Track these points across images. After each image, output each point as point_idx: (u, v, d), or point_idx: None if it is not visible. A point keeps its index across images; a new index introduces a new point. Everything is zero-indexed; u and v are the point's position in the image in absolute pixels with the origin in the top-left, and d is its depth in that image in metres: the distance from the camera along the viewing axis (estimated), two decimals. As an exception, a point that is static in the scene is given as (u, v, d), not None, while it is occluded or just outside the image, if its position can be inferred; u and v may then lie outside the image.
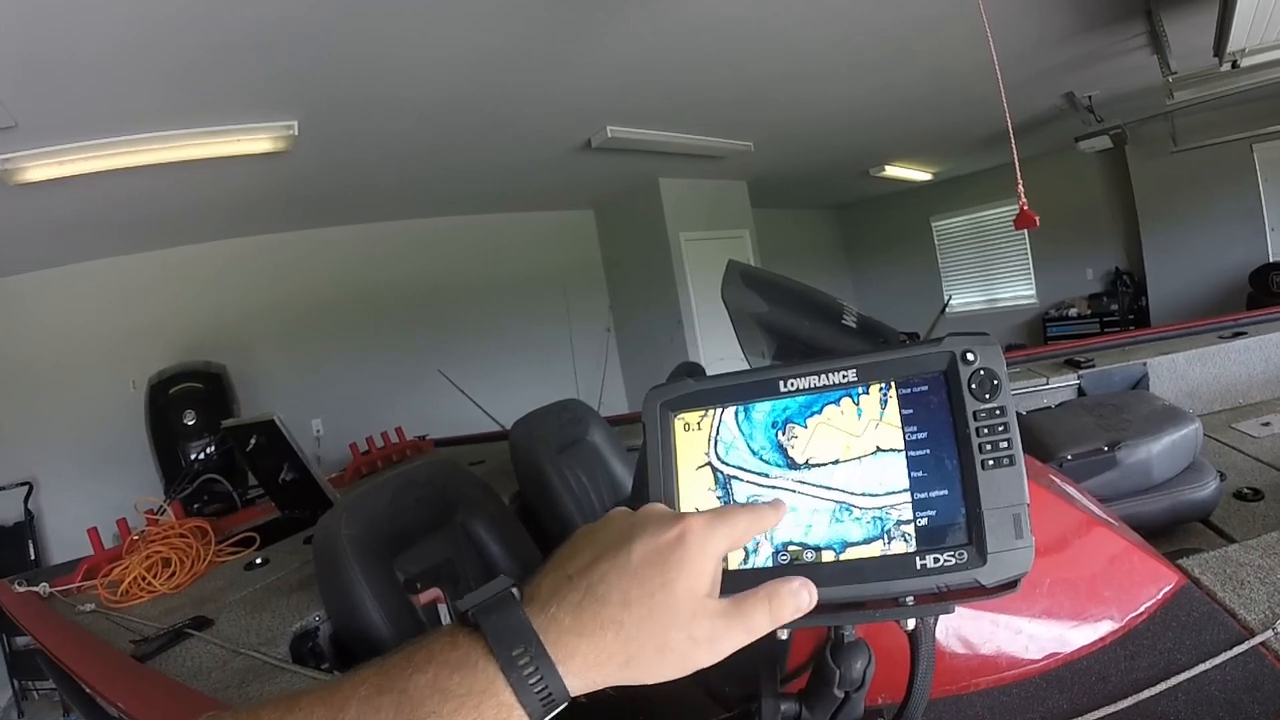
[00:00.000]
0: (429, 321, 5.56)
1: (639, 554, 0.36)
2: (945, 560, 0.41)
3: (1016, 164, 2.23)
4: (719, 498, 0.46)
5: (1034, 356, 2.32)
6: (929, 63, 3.76)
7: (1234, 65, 3.18)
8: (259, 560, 1.79)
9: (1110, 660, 0.69)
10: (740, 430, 0.47)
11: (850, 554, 0.43)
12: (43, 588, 1.75)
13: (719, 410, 0.48)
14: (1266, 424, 1.70)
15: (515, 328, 5.89)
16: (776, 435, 0.46)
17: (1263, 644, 0.65)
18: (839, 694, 0.49)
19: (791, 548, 0.44)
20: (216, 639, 1.31)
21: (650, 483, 0.47)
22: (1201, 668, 0.64)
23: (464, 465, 1.63)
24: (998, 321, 7.92)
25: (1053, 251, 7.38)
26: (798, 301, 0.95)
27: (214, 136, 3.00)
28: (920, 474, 0.43)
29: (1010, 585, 0.41)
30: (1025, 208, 2.16)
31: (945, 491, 0.42)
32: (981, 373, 0.43)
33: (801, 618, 0.40)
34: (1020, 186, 2.19)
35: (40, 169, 2.82)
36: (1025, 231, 7.08)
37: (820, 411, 0.46)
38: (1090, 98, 4.90)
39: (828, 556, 0.43)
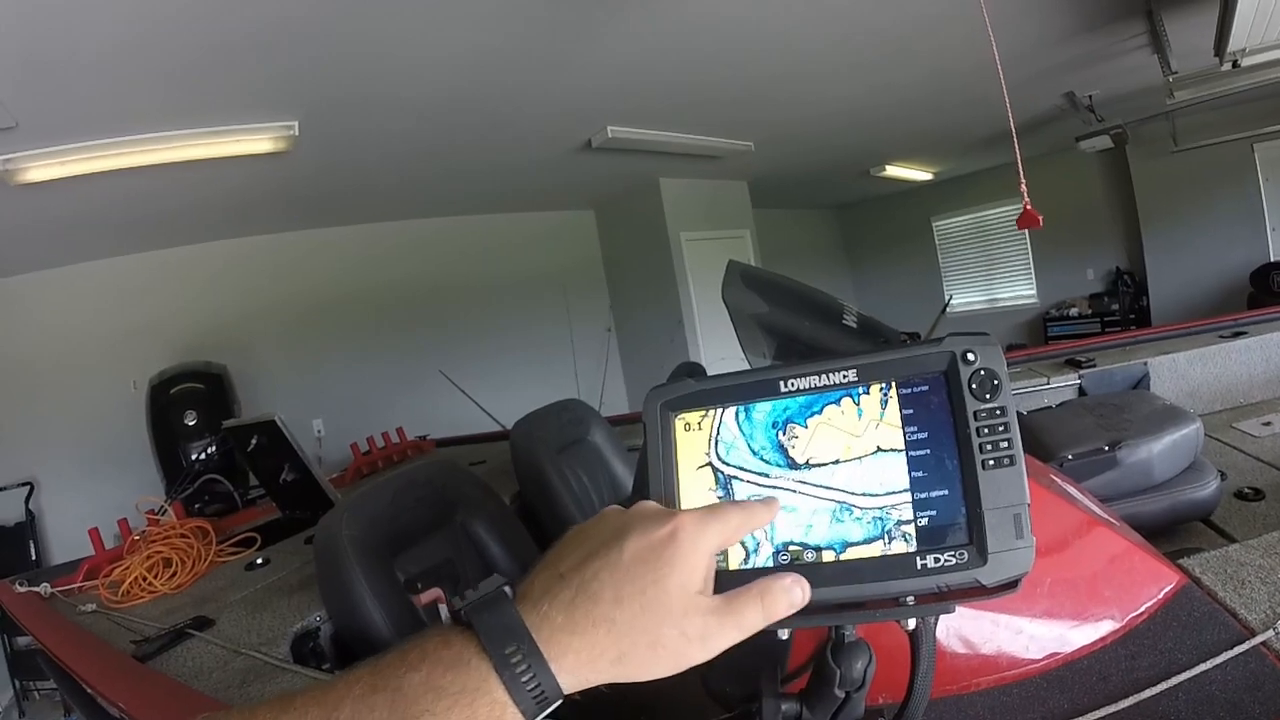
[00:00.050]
0: (429, 321, 5.57)
1: (631, 551, 0.36)
2: (946, 560, 0.41)
3: (1020, 164, 2.23)
4: (719, 498, 0.46)
5: (1035, 356, 2.32)
6: (929, 63, 3.76)
7: (1234, 65, 3.17)
8: (260, 560, 1.80)
9: (1111, 660, 0.69)
10: (741, 430, 0.47)
11: (851, 554, 0.43)
12: (44, 588, 1.75)
13: (719, 410, 0.48)
14: (1267, 423, 1.70)
15: (515, 328, 5.89)
16: (777, 435, 0.46)
17: (1264, 644, 0.65)
18: (840, 694, 0.49)
19: (792, 548, 0.44)
20: (217, 639, 1.31)
21: (651, 483, 0.47)
22: (1202, 667, 0.64)
23: (464, 465, 1.63)
24: (998, 321, 7.91)
25: (1053, 251, 7.38)
26: (798, 301, 0.95)
27: (214, 137, 3.00)
28: (921, 474, 0.43)
29: (1011, 585, 0.41)
30: (1029, 207, 2.16)
31: (946, 491, 0.42)
32: (982, 373, 0.43)
33: (802, 617, 0.40)
34: (1023, 186, 2.19)
35: (40, 169, 2.82)
36: (1026, 231, 7.09)
37: (821, 411, 0.46)
38: (1091, 97, 4.90)
39: (828, 556, 0.43)
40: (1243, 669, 0.63)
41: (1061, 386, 2.00)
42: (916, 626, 0.47)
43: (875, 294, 9.22)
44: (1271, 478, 1.42)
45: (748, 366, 0.77)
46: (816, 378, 0.46)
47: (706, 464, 0.47)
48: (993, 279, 8.29)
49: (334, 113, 3.12)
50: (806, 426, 0.46)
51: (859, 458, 0.44)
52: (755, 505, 0.42)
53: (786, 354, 0.89)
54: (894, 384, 0.45)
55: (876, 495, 0.43)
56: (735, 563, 0.45)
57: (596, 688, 0.36)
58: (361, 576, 1.19)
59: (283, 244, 4.96)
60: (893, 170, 6.96)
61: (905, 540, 0.42)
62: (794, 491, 0.45)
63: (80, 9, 1.99)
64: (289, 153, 3.27)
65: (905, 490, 0.43)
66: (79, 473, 4.20)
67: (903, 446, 0.44)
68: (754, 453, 0.46)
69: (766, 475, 0.46)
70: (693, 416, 0.48)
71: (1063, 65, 4.13)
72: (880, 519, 0.43)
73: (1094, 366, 2.01)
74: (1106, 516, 0.91)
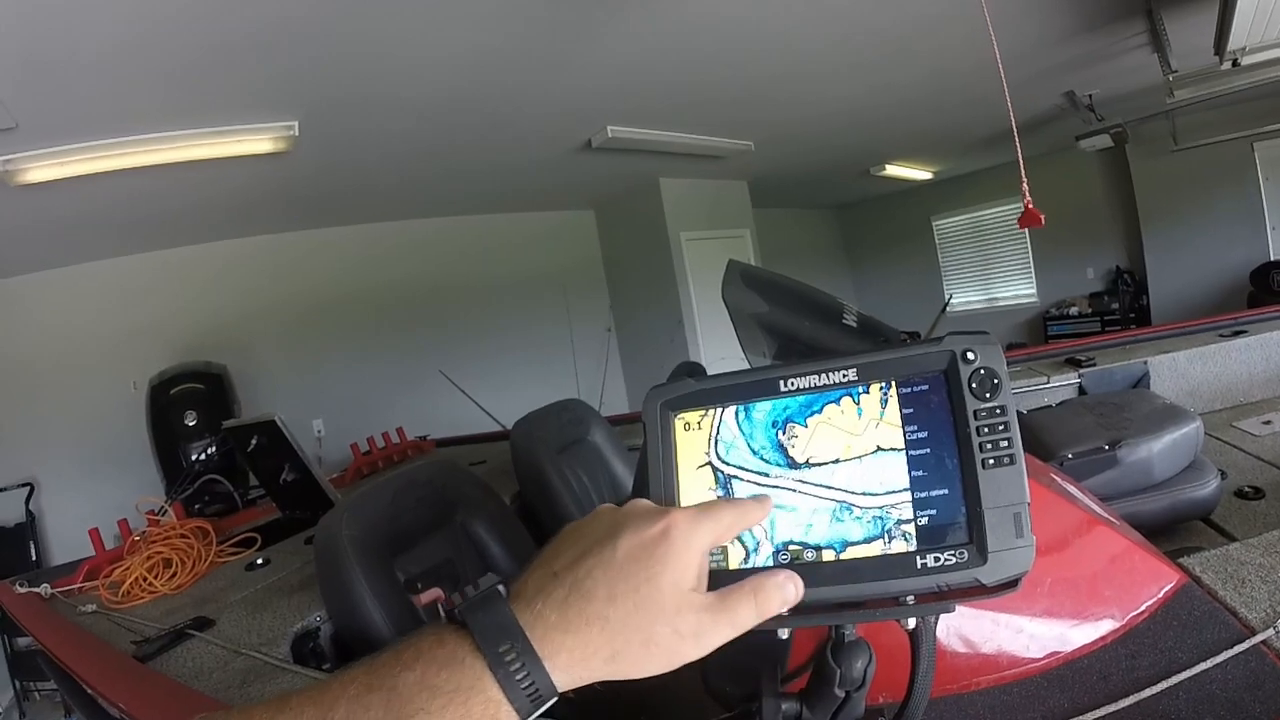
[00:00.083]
0: (429, 321, 5.57)
1: (624, 549, 0.37)
2: (946, 559, 0.41)
3: (1021, 164, 2.23)
4: (719, 497, 0.46)
5: (1035, 355, 2.32)
6: (929, 63, 3.76)
7: (1234, 64, 3.17)
8: (260, 561, 1.80)
9: (1111, 659, 0.69)
10: (740, 430, 0.47)
11: (851, 553, 0.43)
12: (44, 589, 1.75)
13: (719, 410, 0.48)
14: (1267, 422, 1.70)
15: (515, 328, 5.89)
16: (777, 435, 0.46)
17: (1264, 642, 0.65)
18: (840, 693, 0.49)
19: (792, 547, 0.44)
20: (218, 639, 1.31)
21: (650, 482, 0.47)
22: (1203, 666, 0.64)
23: (464, 465, 1.63)
24: (998, 320, 7.91)
25: (1053, 250, 7.38)
26: (798, 301, 0.95)
27: (214, 137, 3.00)
28: (921, 473, 0.43)
29: (1011, 584, 0.41)
30: (1030, 206, 2.16)
31: (946, 490, 0.42)
32: (982, 372, 0.43)
33: (802, 617, 0.40)
34: (1025, 185, 2.19)
35: (41, 170, 2.82)
36: (1026, 230, 7.10)
37: (820, 411, 0.46)
38: (1091, 96, 4.90)
39: (828, 556, 0.43)
40: (1243, 668, 0.63)
41: (1061, 385, 2.00)
42: (916, 626, 0.47)
43: (875, 293, 9.21)
44: (1271, 476, 1.42)
45: (748, 366, 0.77)
46: (816, 377, 0.46)
47: (706, 463, 0.47)
48: (993, 278, 8.28)
49: (334, 113, 3.12)
50: (806, 426, 0.46)
51: (859, 457, 0.44)
52: (748, 503, 0.42)
53: (786, 353, 0.89)
54: (894, 383, 0.45)
55: (876, 494, 0.43)
56: (735, 562, 0.45)
57: (591, 685, 0.36)
58: (361, 576, 1.19)
59: (283, 244, 4.96)
60: (893, 170, 6.96)
61: (905, 539, 0.42)
62: (794, 491, 0.45)
63: (80, 9, 1.99)
64: (289, 153, 3.26)
65: (905, 489, 0.43)
66: (79, 473, 4.20)
67: (903, 446, 0.44)
68: (754, 452, 0.46)
69: (766, 475, 0.46)
70: (692, 416, 0.48)
71: (1063, 65, 4.13)
72: (880, 518, 0.43)
73: (1094, 365, 2.01)
74: (1106, 515, 0.91)
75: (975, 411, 0.42)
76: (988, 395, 0.42)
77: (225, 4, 2.13)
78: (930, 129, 5.46)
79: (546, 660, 0.34)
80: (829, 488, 0.44)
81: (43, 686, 3.54)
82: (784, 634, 0.45)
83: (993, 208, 7.89)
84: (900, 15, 3.10)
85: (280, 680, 1.11)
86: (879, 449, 0.44)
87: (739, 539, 0.45)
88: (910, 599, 0.42)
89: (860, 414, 0.45)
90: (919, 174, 7.51)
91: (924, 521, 0.42)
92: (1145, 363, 1.97)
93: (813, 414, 0.46)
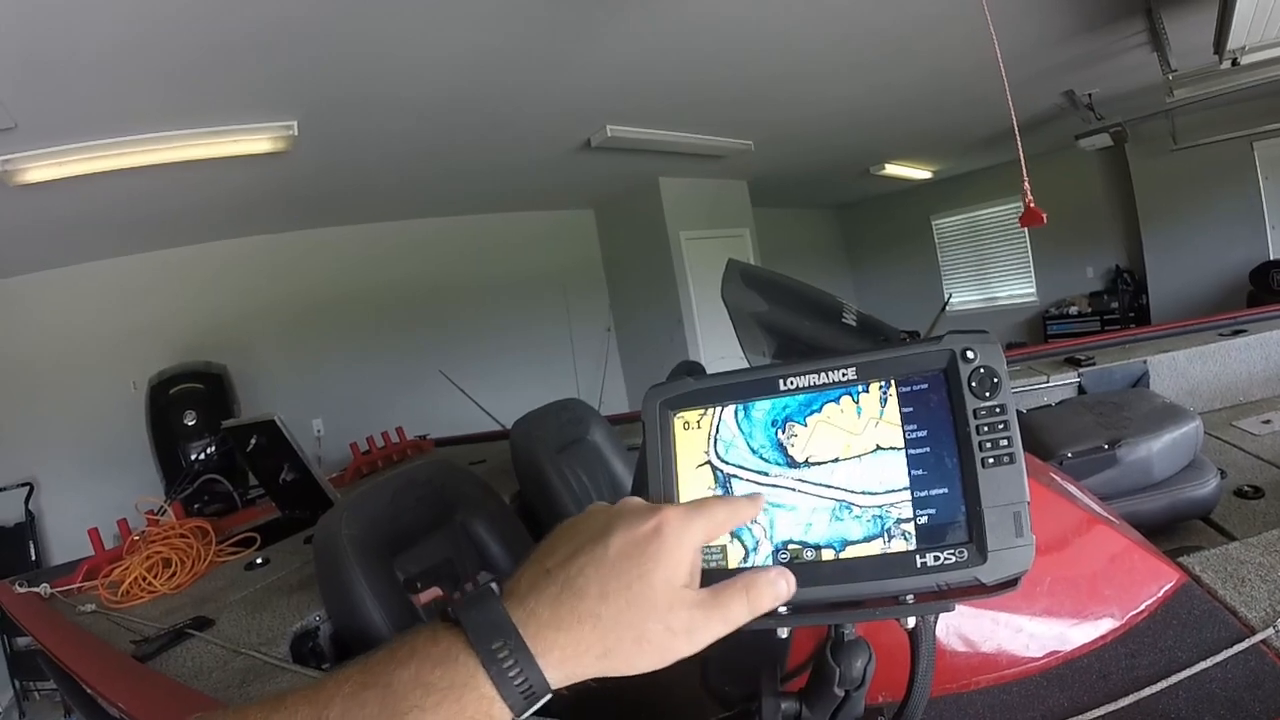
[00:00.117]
0: (429, 321, 5.56)
1: (616, 546, 0.37)
2: (945, 558, 0.41)
3: (1023, 163, 2.23)
4: (715, 495, 0.46)
5: (1034, 354, 2.32)
6: (929, 63, 3.76)
7: (1234, 63, 3.17)
8: (259, 560, 1.79)
9: (1111, 658, 0.69)
10: (740, 429, 0.47)
11: (850, 552, 0.43)
12: (44, 588, 1.75)
13: (719, 409, 0.48)
14: (1267, 421, 1.70)
15: (515, 328, 5.89)
16: (776, 434, 0.46)
17: (1263, 642, 0.65)
18: (839, 692, 0.49)
19: (791, 546, 0.44)
20: (217, 639, 1.31)
21: (650, 481, 0.47)
22: (1202, 665, 0.64)
23: (464, 465, 1.63)
24: (998, 320, 7.91)
25: (1053, 250, 7.38)
26: (798, 300, 0.95)
27: (214, 137, 3.00)
28: (920, 472, 0.43)
29: (1011, 583, 0.41)
30: (1032, 204, 2.16)
31: (945, 489, 0.42)
32: (981, 371, 0.43)
33: (802, 616, 0.40)
34: (1026, 184, 2.19)
35: (40, 170, 2.82)
36: (1026, 230, 7.09)
37: (820, 410, 0.46)
38: (1090, 96, 4.90)
39: (828, 555, 0.43)
40: (1243, 667, 0.63)
41: (1061, 385, 2.00)
42: (916, 625, 0.47)
43: (875, 293, 9.21)
44: (1271, 476, 1.42)
45: (747, 365, 0.77)
46: (816, 376, 0.46)
47: (706, 462, 0.47)
48: (992, 278, 8.28)
49: (334, 113, 3.12)
50: (806, 425, 0.46)
51: (858, 456, 0.44)
52: (740, 500, 0.43)
53: (786, 353, 0.89)
54: (893, 382, 0.45)
55: (876, 493, 0.43)
56: (735, 561, 0.44)
57: (587, 683, 0.36)
58: (361, 576, 1.19)
59: (282, 244, 4.96)
60: (892, 169, 6.96)
61: (905, 538, 0.42)
62: (793, 490, 0.45)
63: (80, 9, 1.99)
64: (288, 153, 3.26)
65: (905, 488, 0.43)
66: (79, 473, 4.20)
67: (902, 445, 0.44)
68: (753, 451, 0.46)
69: (766, 474, 0.46)
70: (692, 415, 0.48)
71: (1063, 64, 4.13)
72: (880, 517, 0.43)
73: (1093, 365, 2.01)
74: (1106, 515, 0.91)
75: (975, 410, 0.42)
76: (987, 394, 0.42)
77: (225, 4, 2.13)
78: (930, 129, 5.46)
79: (539, 657, 0.34)
80: (828, 487, 0.44)
81: (42, 686, 3.55)
82: (783, 633, 0.45)
83: (992, 207, 7.89)
84: (900, 15, 3.10)
85: (279, 680, 1.11)
86: (878, 448, 0.44)
87: (738, 538, 0.45)
88: (910, 598, 0.42)
89: (860, 413, 0.45)
90: (919, 173, 7.51)
91: (923, 520, 0.42)
92: (1145, 362, 1.97)
93: (812, 413, 0.46)
